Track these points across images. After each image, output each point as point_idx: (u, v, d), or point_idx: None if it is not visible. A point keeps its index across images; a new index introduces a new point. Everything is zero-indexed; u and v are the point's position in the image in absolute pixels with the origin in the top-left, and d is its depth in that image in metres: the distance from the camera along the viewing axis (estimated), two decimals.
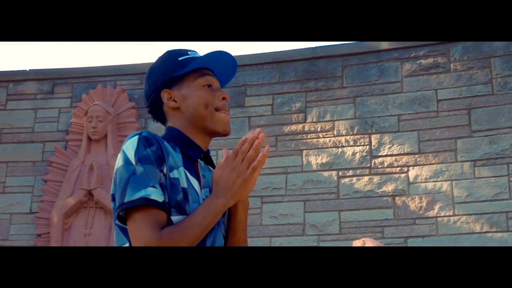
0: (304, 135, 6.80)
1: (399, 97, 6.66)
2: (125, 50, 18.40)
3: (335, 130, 6.74)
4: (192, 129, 2.03)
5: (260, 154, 1.89)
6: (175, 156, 1.93)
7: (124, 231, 1.87)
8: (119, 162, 1.88)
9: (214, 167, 2.07)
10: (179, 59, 2.07)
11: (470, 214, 6.13)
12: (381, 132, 6.59)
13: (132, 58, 20.52)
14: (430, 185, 6.32)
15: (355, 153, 6.61)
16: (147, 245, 1.78)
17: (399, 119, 6.58)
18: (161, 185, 1.85)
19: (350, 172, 6.58)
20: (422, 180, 6.36)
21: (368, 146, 6.60)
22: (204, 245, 1.88)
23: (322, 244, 6.38)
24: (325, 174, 6.63)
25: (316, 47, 7.13)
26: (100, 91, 7.36)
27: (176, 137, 2.01)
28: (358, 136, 6.66)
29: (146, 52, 18.04)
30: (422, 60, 6.69)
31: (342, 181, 6.57)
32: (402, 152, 6.49)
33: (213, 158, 1.88)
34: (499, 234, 6.00)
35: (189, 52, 2.10)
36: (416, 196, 6.32)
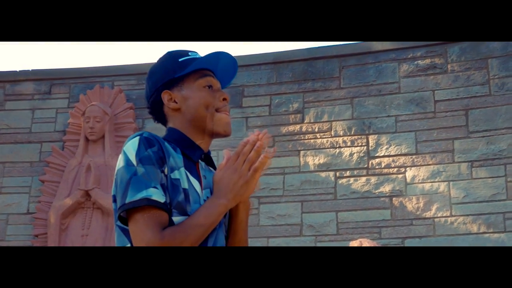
0: (301, 135, 6.80)
1: (396, 98, 6.66)
2: (122, 50, 18.39)
3: (332, 131, 6.74)
4: (192, 130, 2.03)
5: (262, 155, 1.89)
6: (176, 157, 1.93)
7: (126, 232, 1.87)
8: (120, 163, 1.88)
9: (215, 168, 2.07)
10: (180, 60, 2.07)
11: (467, 215, 6.13)
12: (378, 133, 6.60)
13: (130, 58, 20.51)
14: (427, 185, 6.32)
15: (353, 154, 6.61)
16: (149, 246, 1.78)
17: (397, 119, 6.58)
18: (162, 185, 1.85)
19: (348, 173, 6.58)
20: (420, 181, 6.36)
21: (365, 147, 6.60)
22: (206, 245, 1.88)
23: (319, 245, 6.38)
24: (323, 174, 6.63)
25: (313, 47, 7.14)
26: (97, 92, 7.36)
27: (177, 138, 2.01)
28: (356, 137, 6.66)
29: (144, 53, 18.03)
30: (420, 61, 6.70)
31: (340, 182, 6.58)
32: (399, 153, 6.49)
33: (214, 158, 1.89)
34: (496, 235, 6.01)
35: (189, 53, 2.10)
36: (414, 197, 6.33)
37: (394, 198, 6.37)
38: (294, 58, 7.08)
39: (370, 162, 6.55)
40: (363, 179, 6.52)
